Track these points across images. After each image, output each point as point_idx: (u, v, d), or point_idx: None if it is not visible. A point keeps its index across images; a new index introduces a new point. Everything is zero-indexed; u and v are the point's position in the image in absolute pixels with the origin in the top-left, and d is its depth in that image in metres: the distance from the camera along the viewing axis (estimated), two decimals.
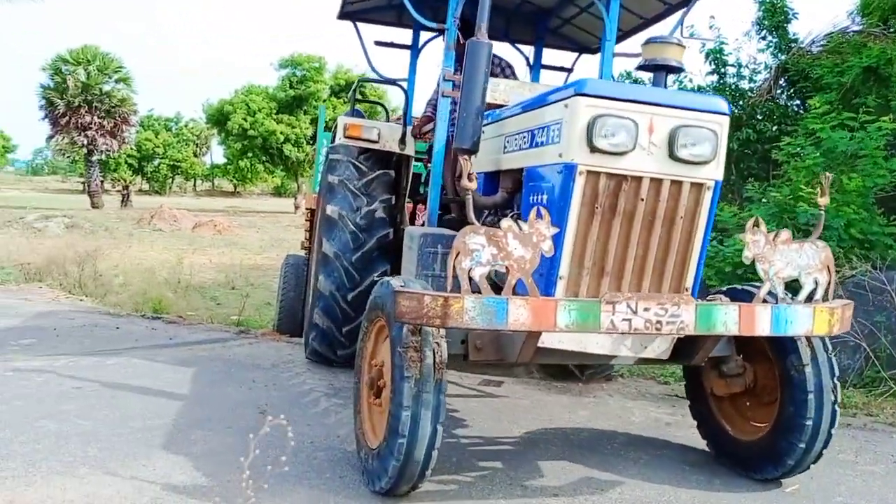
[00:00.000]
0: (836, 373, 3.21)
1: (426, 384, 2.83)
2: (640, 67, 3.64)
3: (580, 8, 5.55)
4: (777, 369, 3.31)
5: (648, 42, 3.65)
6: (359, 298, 4.91)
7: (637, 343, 3.15)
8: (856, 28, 9.54)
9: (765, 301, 2.85)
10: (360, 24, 6.15)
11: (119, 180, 47.21)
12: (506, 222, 2.68)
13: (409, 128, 5.26)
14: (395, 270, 5.11)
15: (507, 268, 2.66)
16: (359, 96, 6.22)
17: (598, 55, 4.97)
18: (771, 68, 9.98)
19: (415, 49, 6.13)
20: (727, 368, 3.46)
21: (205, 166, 63.25)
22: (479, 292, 2.65)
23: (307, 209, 9.95)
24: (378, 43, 6.18)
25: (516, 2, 5.69)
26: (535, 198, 3.18)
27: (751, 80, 10.17)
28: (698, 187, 2.96)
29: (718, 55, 10.04)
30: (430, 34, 6.25)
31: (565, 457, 3.66)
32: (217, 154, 71.79)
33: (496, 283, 3.09)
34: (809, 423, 3.17)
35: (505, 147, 3.75)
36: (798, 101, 9.93)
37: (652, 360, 3.24)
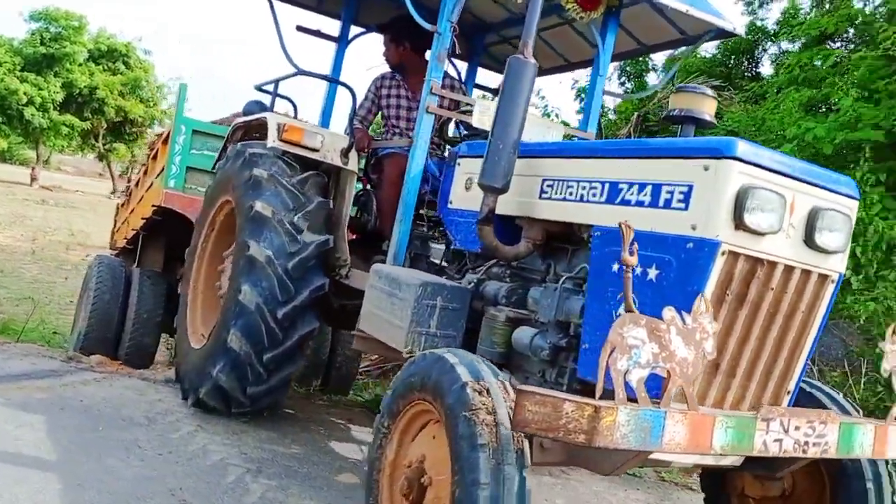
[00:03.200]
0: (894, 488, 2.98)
1: (506, 454, 2.18)
2: (667, 118, 3.24)
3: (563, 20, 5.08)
4: (828, 476, 3.02)
5: (680, 90, 3.27)
6: (290, 317, 4.00)
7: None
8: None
9: None
10: (276, 4, 5.21)
11: None
12: (669, 313, 2.07)
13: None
14: (339, 288, 4.25)
15: (668, 372, 2.05)
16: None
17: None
18: (633, 115, 10.29)
19: (343, 42, 5.32)
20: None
21: None
22: (636, 400, 2.01)
23: (125, 198, 8.60)
24: (301, 29, 5.28)
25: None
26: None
27: (616, 125, 10.44)
28: (823, 279, 2.57)
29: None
30: (360, 28, 5.47)
31: None
32: None
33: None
34: None
35: (543, 192, 3.13)
36: None
37: (726, 466, 2.79)
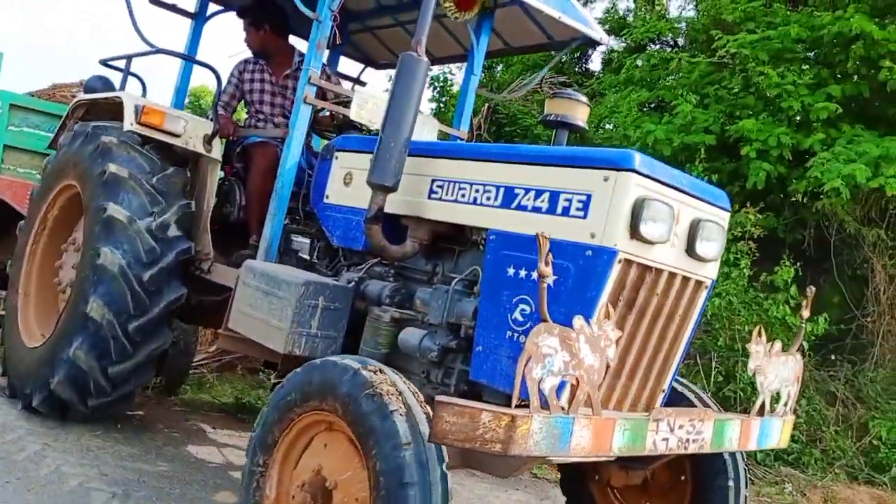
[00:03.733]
0: (746, 481, 3.23)
1: (418, 416, 2.26)
2: (543, 122, 3.38)
3: (396, 22, 5.05)
4: (690, 466, 3.23)
5: (555, 96, 3.42)
6: (143, 330, 3.70)
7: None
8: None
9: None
10: None
11: None
12: (578, 321, 2.12)
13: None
14: (197, 284, 3.97)
15: (576, 379, 2.10)
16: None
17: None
18: (482, 108, 10.44)
19: (201, 19, 4.99)
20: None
21: None
22: (548, 408, 2.04)
23: None
24: (154, 2, 4.87)
25: None
26: (523, 273, 2.63)
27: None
28: (699, 285, 2.75)
29: (444, 84, 10.19)
30: (218, 7, 5.15)
31: None
32: None
33: None
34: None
35: (433, 192, 3.10)
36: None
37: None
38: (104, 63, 4.63)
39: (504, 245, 2.72)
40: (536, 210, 2.67)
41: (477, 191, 2.91)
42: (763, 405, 2.77)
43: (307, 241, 4.02)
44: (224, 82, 4.41)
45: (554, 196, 2.62)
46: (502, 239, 2.74)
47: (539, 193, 2.67)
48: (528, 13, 4.31)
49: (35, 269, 4.31)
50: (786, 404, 2.84)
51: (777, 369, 2.76)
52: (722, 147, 7.20)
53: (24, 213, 5.10)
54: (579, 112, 3.30)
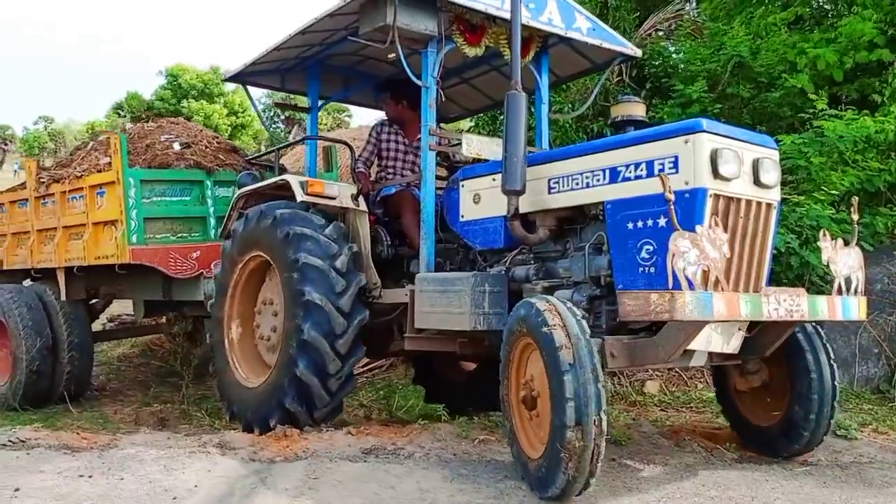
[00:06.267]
0: (833, 356, 4.12)
1: (580, 348, 3.13)
2: (612, 123, 4.42)
3: (462, 80, 6.16)
4: (787, 363, 4.10)
5: (618, 102, 4.49)
6: (346, 345, 4.61)
7: (727, 341, 3.72)
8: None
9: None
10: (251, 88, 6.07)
11: None
12: (701, 228, 3.12)
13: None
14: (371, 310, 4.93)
15: (707, 267, 3.08)
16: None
17: None
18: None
19: (314, 111, 6.16)
20: (748, 368, 4.19)
21: None
22: (693, 289, 3.02)
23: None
24: (279, 105, 6.13)
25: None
26: (640, 223, 3.63)
27: None
28: (768, 206, 3.72)
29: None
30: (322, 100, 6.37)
31: None
32: None
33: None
34: (816, 396, 3.99)
35: (551, 188, 4.15)
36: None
37: (729, 355, 3.82)
38: (250, 161, 5.83)
39: (621, 208, 3.74)
40: (639, 177, 3.69)
41: (587, 177, 3.95)
42: (840, 287, 3.69)
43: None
44: (364, 144, 5.56)
45: (649, 164, 3.64)
46: (618, 205, 3.75)
47: (637, 165, 3.70)
48: (573, 46, 5.40)
49: (234, 326, 5.38)
50: (856, 288, 3.74)
51: (844, 259, 3.69)
52: None
53: (171, 274, 6.16)
54: (638, 109, 4.37)
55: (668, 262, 3.01)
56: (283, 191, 5.22)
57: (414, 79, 4.70)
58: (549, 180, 4.16)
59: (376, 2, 4.50)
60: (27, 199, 7.16)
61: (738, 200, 3.58)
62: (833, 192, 6.26)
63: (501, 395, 3.66)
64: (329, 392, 4.65)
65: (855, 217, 3.86)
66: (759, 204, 3.68)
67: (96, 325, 7.89)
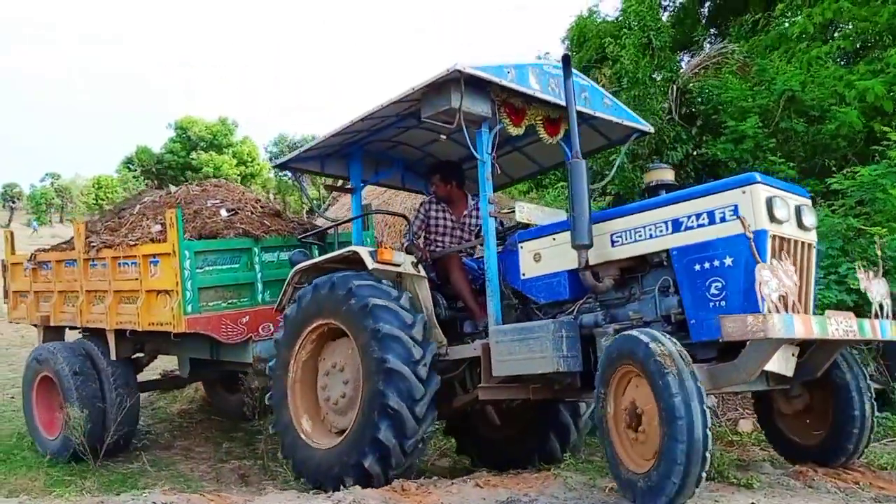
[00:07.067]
0: (867, 377, 4.70)
1: (684, 374, 3.59)
2: (647, 188, 5.07)
3: (514, 148, 6.70)
4: (828, 385, 4.65)
5: (650, 169, 5.17)
6: (424, 408, 4.95)
7: (786, 363, 4.25)
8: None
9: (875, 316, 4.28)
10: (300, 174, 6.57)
11: None
12: (775, 261, 3.70)
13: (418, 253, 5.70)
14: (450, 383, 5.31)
15: (785, 293, 3.64)
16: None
17: None
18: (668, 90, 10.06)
19: (357, 192, 6.63)
20: (791, 392, 4.72)
21: None
22: (778, 312, 3.57)
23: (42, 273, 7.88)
24: (328, 187, 6.60)
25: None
26: (707, 265, 4.19)
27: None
28: (810, 245, 4.35)
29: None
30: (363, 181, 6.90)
31: None
32: None
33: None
34: (857, 412, 4.52)
35: (614, 242, 4.70)
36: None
37: (782, 377, 4.34)
38: (301, 240, 6.25)
39: (687, 253, 4.30)
40: (701, 226, 4.27)
41: (650, 230, 4.52)
42: (876, 312, 4.30)
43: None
44: (413, 219, 6.08)
45: (710, 213, 4.24)
46: (684, 250, 4.32)
47: (699, 216, 4.29)
48: (593, 125, 6.09)
49: (297, 389, 5.64)
50: (887, 312, 4.36)
51: (877, 288, 4.32)
52: None
53: (223, 340, 6.45)
54: (668, 174, 5.05)
55: (757, 290, 3.56)
56: (341, 263, 5.65)
57: (475, 154, 5.25)
58: (612, 235, 4.72)
59: (440, 89, 5.09)
60: (75, 260, 7.41)
61: (789, 240, 4.20)
62: None
63: (598, 421, 4.07)
64: (405, 454, 4.95)
65: (879, 252, 4.53)
66: (803, 244, 4.30)
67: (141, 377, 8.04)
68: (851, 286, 5.91)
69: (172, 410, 9.04)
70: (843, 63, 8.89)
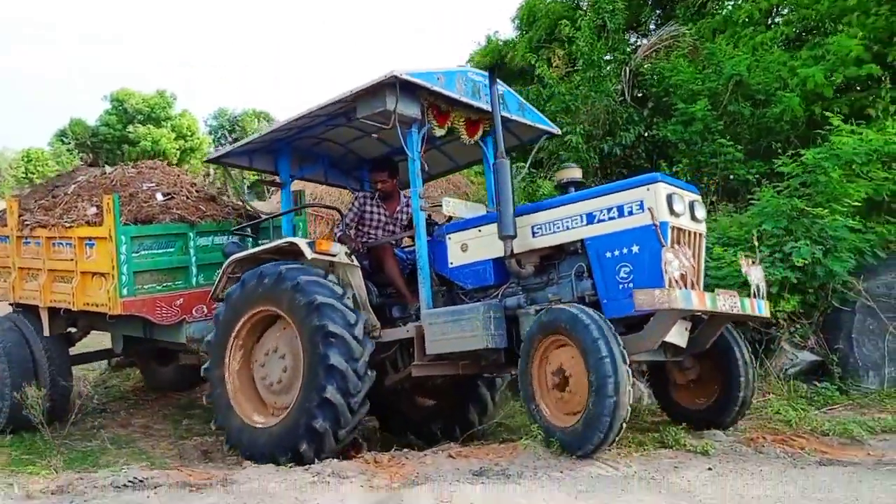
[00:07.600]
0: (750, 351, 5.46)
1: (612, 339, 4.25)
2: (558, 185, 5.74)
3: (433, 146, 7.16)
4: (716, 356, 5.38)
5: (561, 168, 5.84)
6: (361, 404, 5.27)
7: (682, 336, 4.95)
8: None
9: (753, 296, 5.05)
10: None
11: None
12: (674, 245, 4.37)
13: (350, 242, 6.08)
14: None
15: (684, 272, 4.32)
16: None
17: None
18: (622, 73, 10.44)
19: (287, 187, 6.90)
20: (684, 364, 5.44)
21: None
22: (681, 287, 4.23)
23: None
24: (262, 181, 6.83)
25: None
26: (617, 252, 4.82)
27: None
28: (701, 235, 5.07)
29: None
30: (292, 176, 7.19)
31: None
32: None
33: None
34: (743, 377, 5.17)
35: (535, 233, 5.28)
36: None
37: (678, 349, 5.02)
38: (234, 232, 6.47)
39: (599, 242, 4.93)
40: (612, 218, 4.91)
41: (567, 222, 5.12)
42: (754, 292, 5.07)
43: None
44: (347, 211, 6.47)
45: (619, 207, 4.88)
46: (597, 240, 4.94)
47: (609, 210, 4.93)
48: (507, 127, 6.63)
49: (235, 371, 5.84)
50: (762, 293, 5.14)
51: (754, 273, 5.10)
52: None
53: (157, 322, 6.59)
54: (577, 173, 5.72)
55: (662, 268, 4.21)
56: (276, 254, 5.94)
57: (408, 152, 5.69)
58: (533, 227, 5.29)
59: (376, 92, 5.51)
60: (8, 237, 7.37)
61: (685, 231, 4.90)
62: (854, 203, 6.82)
63: (523, 384, 4.65)
64: (352, 411, 5.22)
65: (756, 244, 5.33)
66: (696, 234, 5.02)
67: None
68: (795, 263, 6.40)
69: (126, 388, 8.96)
70: (785, 48, 9.16)
